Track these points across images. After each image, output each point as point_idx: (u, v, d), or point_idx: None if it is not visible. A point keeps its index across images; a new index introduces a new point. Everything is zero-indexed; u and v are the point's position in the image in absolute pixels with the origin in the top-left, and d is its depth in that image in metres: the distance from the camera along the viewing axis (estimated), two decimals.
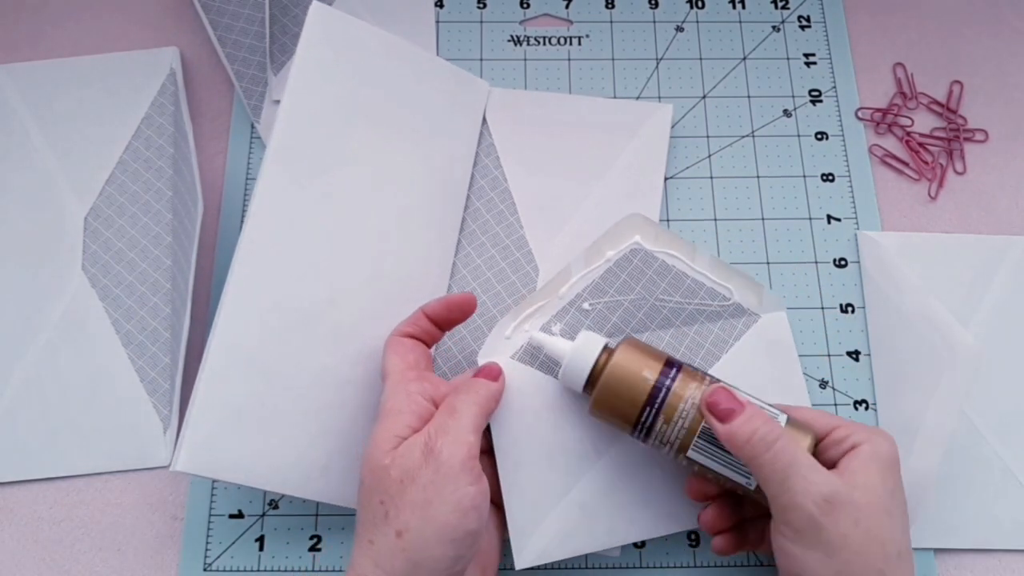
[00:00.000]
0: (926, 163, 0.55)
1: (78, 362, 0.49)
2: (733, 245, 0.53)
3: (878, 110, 0.56)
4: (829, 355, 0.50)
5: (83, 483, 0.48)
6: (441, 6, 0.59)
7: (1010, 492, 0.47)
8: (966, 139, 0.56)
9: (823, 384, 0.50)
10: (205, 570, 0.46)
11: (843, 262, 0.53)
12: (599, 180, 0.53)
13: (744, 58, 0.58)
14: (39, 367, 0.49)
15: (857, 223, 0.54)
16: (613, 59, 0.58)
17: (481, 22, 0.59)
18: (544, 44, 0.58)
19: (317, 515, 0.47)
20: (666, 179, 0.54)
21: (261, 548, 0.46)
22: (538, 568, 0.46)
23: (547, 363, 0.44)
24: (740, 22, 0.59)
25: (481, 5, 0.60)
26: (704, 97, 0.57)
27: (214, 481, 0.47)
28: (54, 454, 0.47)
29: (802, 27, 0.59)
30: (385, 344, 0.42)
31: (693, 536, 0.47)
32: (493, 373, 0.42)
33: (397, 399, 0.39)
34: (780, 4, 0.60)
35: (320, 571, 0.46)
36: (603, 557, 0.46)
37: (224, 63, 0.56)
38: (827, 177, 0.55)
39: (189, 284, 0.49)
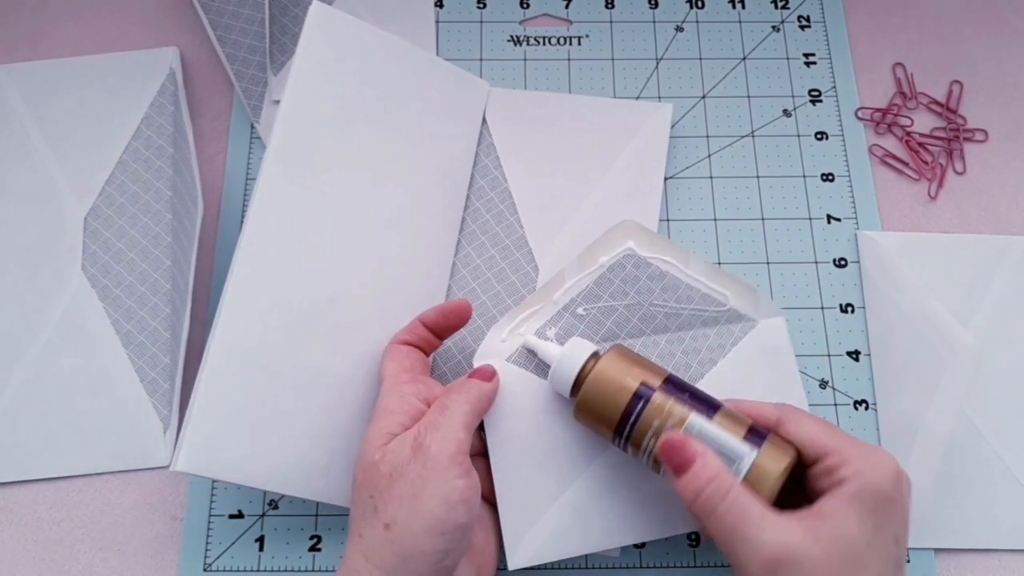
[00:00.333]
0: (926, 163, 0.55)
1: (78, 362, 0.49)
2: (733, 245, 0.53)
3: (878, 110, 0.56)
4: (829, 355, 0.50)
5: (83, 483, 0.48)
6: (441, 6, 0.59)
7: (1010, 492, 0.47)
8: (966, 139, 0.56)
9: (823, 384, 0.50)
10: (205, 570, 0.46)
11: (843, 262, 0.53)
12: (599, 180, 0.53)
13: (744, 58, 0.58)
14: (39, 367, 0.49)
15: (857, 223, 0.54)
16: (613, 59, 0.58)
17: (481, 22, 0.59)
18: (544, 44, 0.58)
19: (317, 515, 0.47)
20: (666, 179, 0.54)
21: (261, 548, 0.46)
22: (538, 568, 0.46)
23: (541, 366, 0.44)
24: (740, 22, 0.59)
25: (481, 5, 0.60)
26: (704, 97, 0.57)
27: (214, 481, 0.47)
28: (54, 454, 0.47)
29: (802, 27, 0.59)
30: (384, 352, 0.43)
31: (693, 536, 0.47)
32: (487, 375, 0.42)
33: (390, 399, 0.40)
34: (780, 4, 0.60)
35: (320, 571, 0.46)
36: (603, 557, 0.46)
37: (224, 63, 0.56)
38: (827, 177, 0.55)
39: (189, 284, 0.49)
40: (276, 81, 0.55)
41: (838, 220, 0.54)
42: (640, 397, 0.39)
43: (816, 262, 0.53)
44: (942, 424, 0.45)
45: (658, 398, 0.39)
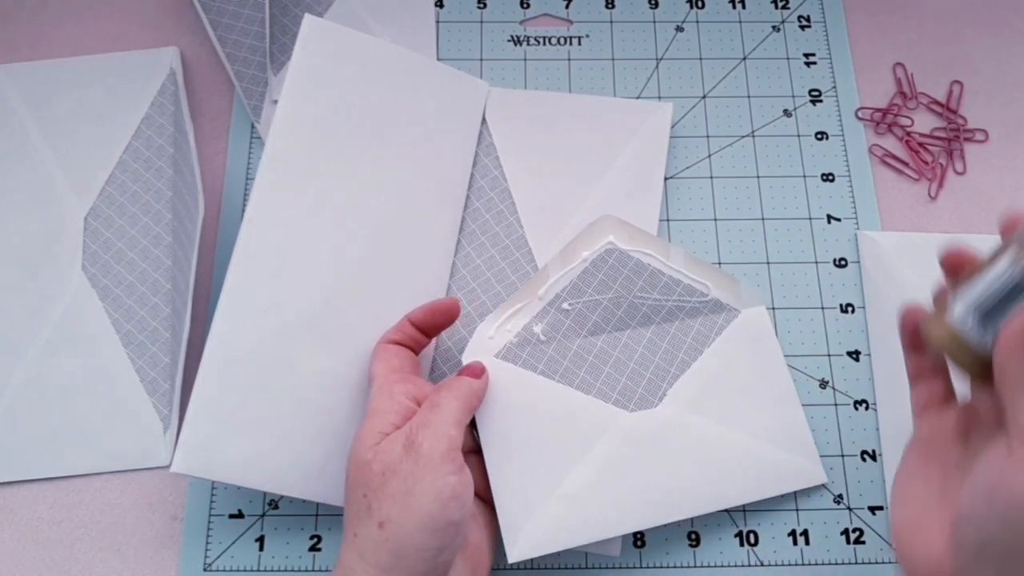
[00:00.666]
0: (926, 163, 0.55)
1: (78, 362, 0.49)
2: (733, 245, 0.53)
3: (878, 110, 0.56)
4: (829, 355, 0.50)
5: (83, 483, 0.48)
6: (441, 6, 0.59)
7: None
8: (966, 139, 0.56)
9: (823, 384, 0.50)
10: (205, 570, 0.46)
11: (843, 262, 0.53)
12: (599, 180, 0.53)
13: (744, 58, 0.58)
14: (39, 367, 0.49)
15: (857, 223, 0.54)
16: (613, 59, 0.58)
17: (481, 22, 0.59)
18: (544, 44, 0.58)
19: (317, 515, 0.47)
20: (666, 179, 0.54)
21: (261, 548, 0.46)
22: (537, 568, 0.46)
23: (530, 361, 0.45)
24: (740, 22, 0.59)
25: (481, 5, 0.60)
26: (704, 97, 0.57)
27: (214, 481, 0.47)
28: (54, 454, 0.47)
29: (802, 27, 0.59)
30: (373, 352, 0.43)
31: (693, 536, 0.47)
32: (476, 371, 0.43)
33: (381, 400, 0.40)
34: (780, 4, 0.60)
35: (320, 571, 0.46)
36: (603, 557, 0.46)
37: (224, 63, 0.56)
38: (827, 177, 0.55)
39: (190, 284, 0.49)
40: (276, 81, 0.55)
41: (838, 220, 0.54)
42: None
43: (816, 262, 0.53)
44: None
45: None
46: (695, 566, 0.46)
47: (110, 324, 0.49)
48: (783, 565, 0.46)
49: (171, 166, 0.52)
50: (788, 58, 0.58)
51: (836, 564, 0.46)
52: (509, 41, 0.58)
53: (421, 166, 0.50)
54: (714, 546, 0.47)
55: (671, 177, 0.55)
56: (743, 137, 0.56)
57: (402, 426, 0.39)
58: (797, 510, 0.47)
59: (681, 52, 0.58)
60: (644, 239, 0.48)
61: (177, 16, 0.59)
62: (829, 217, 0.54)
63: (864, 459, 0.48)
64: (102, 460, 0.47)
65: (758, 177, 0.55)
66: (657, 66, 0.58)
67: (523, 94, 0.56)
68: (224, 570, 0.46)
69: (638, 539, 0.47)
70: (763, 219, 0.54)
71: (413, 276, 0.49)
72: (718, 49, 0.58)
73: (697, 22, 0.59)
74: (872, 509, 0.47)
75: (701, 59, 0.58)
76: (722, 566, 0.46)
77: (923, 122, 0.56)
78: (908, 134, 0.56)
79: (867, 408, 0.49)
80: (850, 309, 0.52)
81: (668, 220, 0.53)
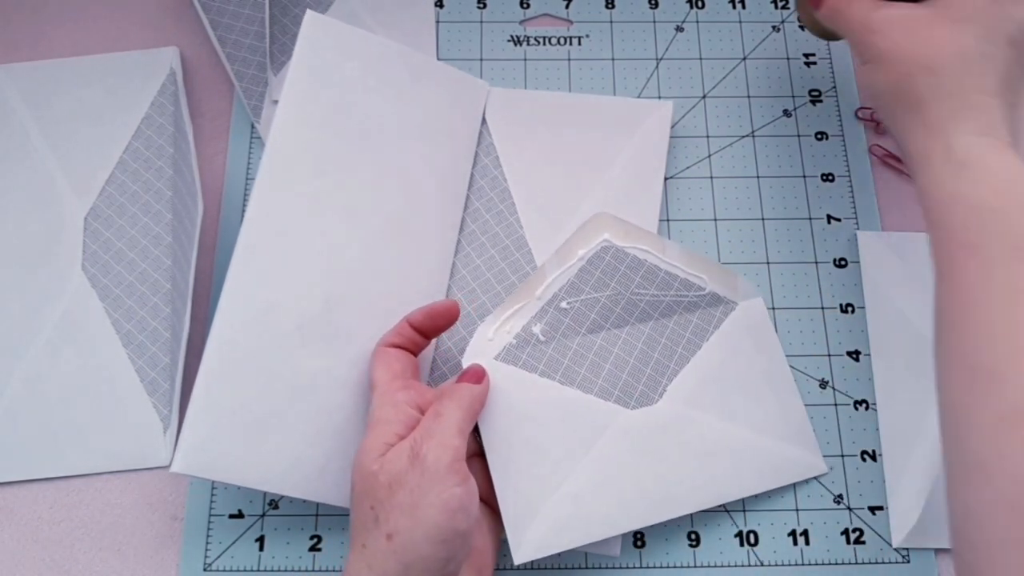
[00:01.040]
0: None
1: (78, 362, 0.49)
2: (733, 245, 0.53)
3: None
4: (829, 355, 0.50)
5: (83, 483, 0.48)
6: (441, 6, 0.59)
7: None
8: None
9: (823, 384, 0.50)
10: (205, 570, 0.46)
11: (843, 262, 0.53)
12: (599, 179, 0.53)
13: (744, 58, 0.58)
14: (39, 367, 0.49)
15: (857, 223, 0.54)
16: (613, 59, 0.58)
17: (481, 22, 0.59)
18: (544, 44, 0.58)
19: (317, 515, 0.47)
20: (666, 179, 0.54)
21: (261, 548, 0.46)
22: (537, 568, 0.46)
23: (530, 362, 0.45)
24: (740, 22, 0.59)
25: (481, 5, 0.60)
26: (704, 97, 0.57)
27: (214, 481, 0.47)
28: (54, 454, 0.47)
29: (802, 27, 0.59)
30: (372, 355, 0.43)
31: (693, 536, 0.47)
32: (477, 376, 0.43)
33: (384, 409, 0.40)
34: (780, 4, 0.60)
35: (320, 571, 0.46)
36: (603, 557, 0.46)
37: (224, 63, 0.56)
38: (827, 177, 0.55)
39: (189, 284, 0.49)
40: (276, 81, 0.55)
41: (838, 220, 0.54)
42: None
43: (816, 262, 0.53)
44: None
45: None
46: (695, 566, 0.46)
47: (110, 324, 0.49)
48: (783, 565, 0.46)
49: (171, 166, 0.52)
50: (788, 58, 0.58)
51: (836, 564, 0.46)
52: (509, 41, 0.58)
53: (422, 165, 0.50)
54: (714, 546, 0.47)
55: (671, 177, 0.55)
56: (743, 137, 0.56)
57: (406, 436, 0.38)
58: (797, 510, 0.47)
59: (681, 52, 0.58)
60: (639, 235, 0.49)
61: (177, 16, 0.59)
62: (829, 217, 0.54)
63: (864, 459, 0.48)
64: (102, 460, 0.47)
65: (758, 177, 0.55)
66: (657, 66, 0.58)
67: (523, 94, 0.56)
68: (224, 570, 0.46)
69: (638, 539, 0.47)
70: (763, 219, 0.54)
71: (413, 276, 0.49)
72: (718, 49, 0.58)
73: (697, 22, 0.59)
74: (872, 509, 0.47)
75: (701, 59, 0.58)
76: (722, 566, 0.46)
77: None
78: None
79: (867, 408, 0.49)
80: (850, 309, 0.52)
81: (668, 220, 0.53)
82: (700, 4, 0.60)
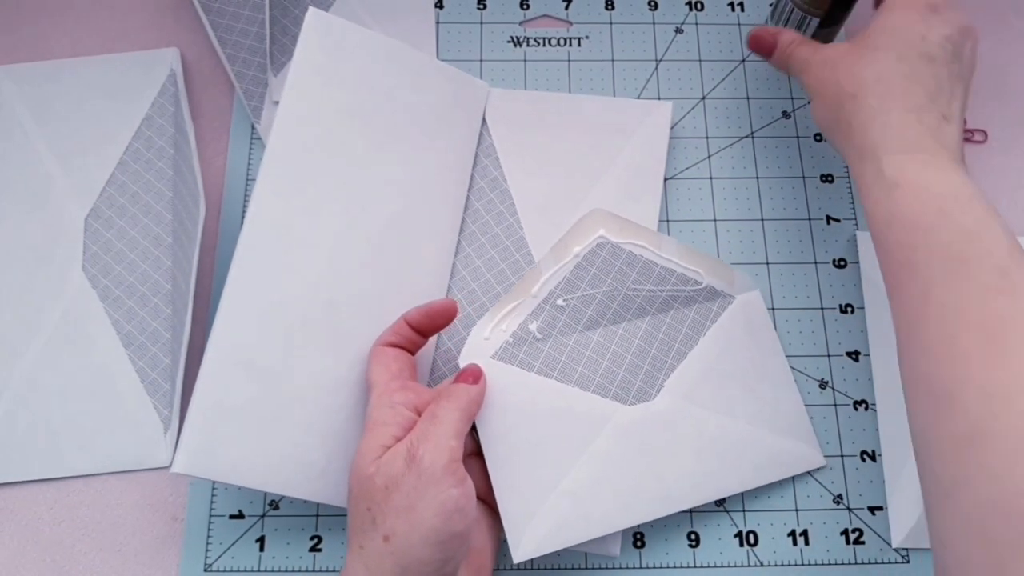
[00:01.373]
0: None
1: (78, 363, 0.49)
2: (733, 246, 0.53)
3: None
4: (829, 355, 0.51)
5: (83, 483, 0.48)
6: (441, 7, 0.59)
7: None
8: (965, 139, 0.56)
9: (823, 384, 0.50)
10: (206, 570, 0.46)
11: (842, 262, 0.53)
12: (599, 180, 0.53)
13: (743, 60, 0.58)
14: (39, 368, 0.49)
15: (856, 224, 0.54)
16: (613, 60, 0.58)
17: (481, 23, 0.59)
18: (544, 45, 0.58)
19: (318, 515, 0.47)
20: (666, 179, 0.54)
21: (262, 548, 0.46)
22: (537, 568, 0.46)
23: (527, 360, 0.45)
24: (739, 24, 0.60)
25: (481, 6, 0.60)
26: (704, 98, 0.57)
27: (214, 482, 0.47)
28: (54, 454, 0.47)
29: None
30: (369, 354, 0.43)
31: (693, 536, 0.47)
32: (474, 376, 0.42)
33: (381, 411, 0.40)
34: None
35: (320, 571, 0.46)
36: (603, 557, 0.46)
37: (224, 64, 0.56)
38: (826, 178, 0.55)
39: (190, 285, 0.49)
40: (276, 82, 0.55)
41: (837, 221, 0.54)
42: None
43: (816, 262, 0.53)
44: None
45: None
46: (695, 566, 0.46)
47: (110, 325, 0.49)
48: (783, 565, 0.46)
49: (171, 167, 0.52)
50: None
51: (836, 564, 0.46)
52: (509, 42, 0.58)
53: (423, 165, 0.50)
54: (714, 546, 0.47)
55: (671, 178, 0.55)
56: (742, 138, 0.56)
57: (403, 438, 0.38)
58: (797, 510, 0.47)
59: (680, 54, 0.58)
60: (635, 231, 0.49)
61: (177, 17, 0.59)
62: (828, 218, 0.54)
63: (864, 459, 0.48)
64: (102, 461, 0.47)
65: (757, 178, 0.55)
66: (656, 67, 0.58)
67: (523, 95, 0.56)
68: (224, 570, 0.46)
69: (638, 539, 0.47)
70: (762, 220, 0.54)
71: (414, 277, 0.49)
72: (717, 51, 0.59)
73: (696, 24, 0.59)
74: (872, 509, 0.47)
75: (700, 61, 0.58)
76: (722, 566, 0.46)
77: None
78: None
79: (867, 408, 0.49)
80: (849, 309, 0.52)
81: (668, 221, 0.53)
82: (699, 6, 0.60)
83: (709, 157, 0.55)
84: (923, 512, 0.45)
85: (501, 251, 0.51)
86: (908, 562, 0.46)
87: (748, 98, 0.57)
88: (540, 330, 0.46)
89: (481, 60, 0.58)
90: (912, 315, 0.36)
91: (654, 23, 0.59)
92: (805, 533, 0.47)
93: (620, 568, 0.46)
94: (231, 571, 0.46)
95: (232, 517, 0.47)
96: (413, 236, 0.49)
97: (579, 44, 0.59)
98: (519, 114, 0.55)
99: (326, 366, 0.44)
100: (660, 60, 0.58)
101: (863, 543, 0.47)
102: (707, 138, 0.56)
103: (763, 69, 0.58)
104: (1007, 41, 0.59)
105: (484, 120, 0.54)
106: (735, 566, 0.46)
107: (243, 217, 0.53)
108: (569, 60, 0.58)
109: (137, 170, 0.53)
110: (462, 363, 0.45)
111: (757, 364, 0.48)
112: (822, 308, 0.52)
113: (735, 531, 0.47)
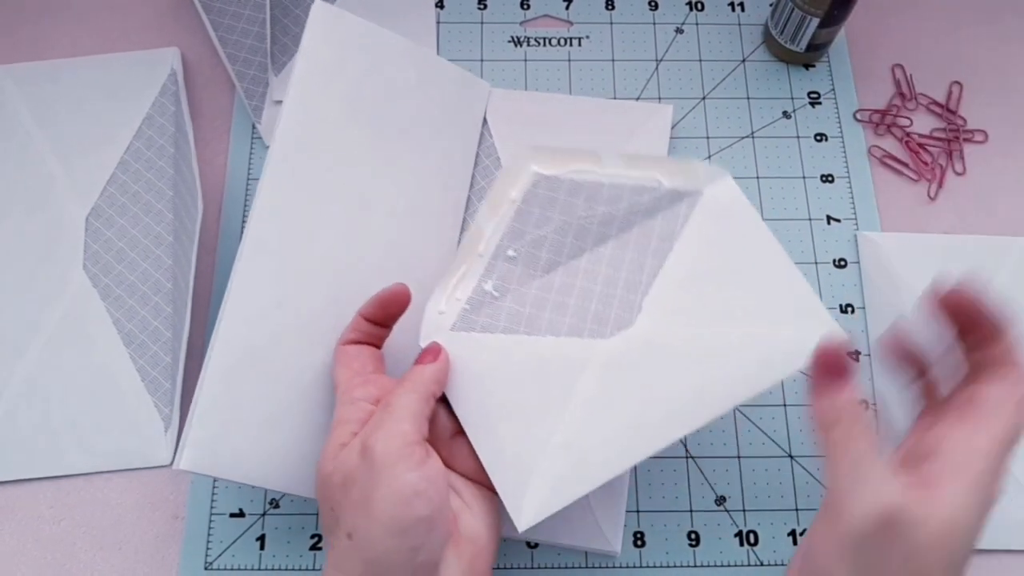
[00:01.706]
0: (925, 164, 0.55)
1: (79, 362, 0.49)
2: None
3: (877, 111, 0.56)
4: None
5: (84, 482, 0.48)
6: (441, 7, 0.60)
7: (1010, 492, 0.47)
8: (965, 140, 0.56)
9: None
10: (206, 569, 0.46)
11: (843, 263, 0.53)
12: None
13: (743, 60, 0.58)
14: (40, 367, 0.49)
15: (857, 224, 0.54)
16: (613, 60, 0.58)
17: (481, 23, 0.59)
18: (544, 45, 0.59)
19: (318, 514, 0.47)
20: None
21: (262, 547, 0.46)
22: (537, 568, 0.46)
23: (489, 322, 0.43)
24: (739, 24, 0.60)
25: (481, 6, 0.60)
26: (704, 98, 0.57)
27: (215, 480, 0.47)
28: (55, 453, 0.47)
29: None
30: (333, 356, 0.42)
31: (693, 536, 0.47)
32: (433, 354, 0.41)
33: (342, 409, 0.39)
34: None
35: (320, 570, 0.46)
36: (603, 556, 0.46)
37: (225, 64, 0.56)
38: (826, 178, 0.55)
39: (190, 284, 0.49)
40: (277, 82, 0.55)
41: (838, 221, 0.54)
42: None
43: (816, 263, 0.53)
44: None
45: None
46: (695, 566, 0.46)
47: (111, 324, 0.49)
48: (783, 565, 0.46)
49: (172, 166, 0.52)
50: (787, 60, 0.58)
51: None
52: (509, 42, 0.59)
53: (426, 162, 0.50)
54: (714, 545, 0.47)
55: None
56: (743, 138, 0.56)
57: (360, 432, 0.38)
58: (797, 510, 0.47)
59: (681, 54, 0.59)
60: (568, 156, 0.45)
61: (177, 16, 0.59)
62: (829, 218, 0.54)
63: None
64: (103, 459, 0.47)
65: (758, 178, 0.55)
66: (657, 67, 0.58)
67: (523, 95, 0.56)
68: (225, 569, 0.46)
69: (638, 538, 0.47)
70: (763, 220, 0.54)
71: (416, 275, 0.48)
72: (717, 51, 0.59)
73: (696, 24, 0.59)
74: None
75: (701, 61, 0.58)
76: (722, 566, 0.46)
77: (922, 123, 0.57)
78: (907, 135, 0.56)
79: (867, 408, 0.49)
80: (850, 309, 0.52)
81: None
82: (700, 6, 0.60)
83: (709, 157, 0.55)
84: None
85: None
86: None
87: (748, 98, 0.57)
88: (496, 288, 0.44)
89: (481, 60, 0.58)
90: None
91: (654, 23, 0.59)
92: (805, 533, 0.47)
93: (620, 567, 0.46)
94: (231, 569, 0.46)
95: (232, 515, 0.47)
96: (415, 233, 0.49)
97: (579, 44, 0.59)
98: (520, 114, 0.55)
99: (330, 364, 0.44)
100: (660, 60, 0.58)
101: None
102: (707, 138, 0.56)
103: (763, 69, 0.58)
104: (1007, 41, 0.59)
105: (485, 120, 0.55)
106: (735, 566, 0.46)
107: (244, 216, 0.53)
108: (569, 60, 0.58)
109: (138, 169, 0.53)
110: (423, 343, 0.43)
111: (742, 254, 0.42)
112: None
113: (735, 531, 0.47)
